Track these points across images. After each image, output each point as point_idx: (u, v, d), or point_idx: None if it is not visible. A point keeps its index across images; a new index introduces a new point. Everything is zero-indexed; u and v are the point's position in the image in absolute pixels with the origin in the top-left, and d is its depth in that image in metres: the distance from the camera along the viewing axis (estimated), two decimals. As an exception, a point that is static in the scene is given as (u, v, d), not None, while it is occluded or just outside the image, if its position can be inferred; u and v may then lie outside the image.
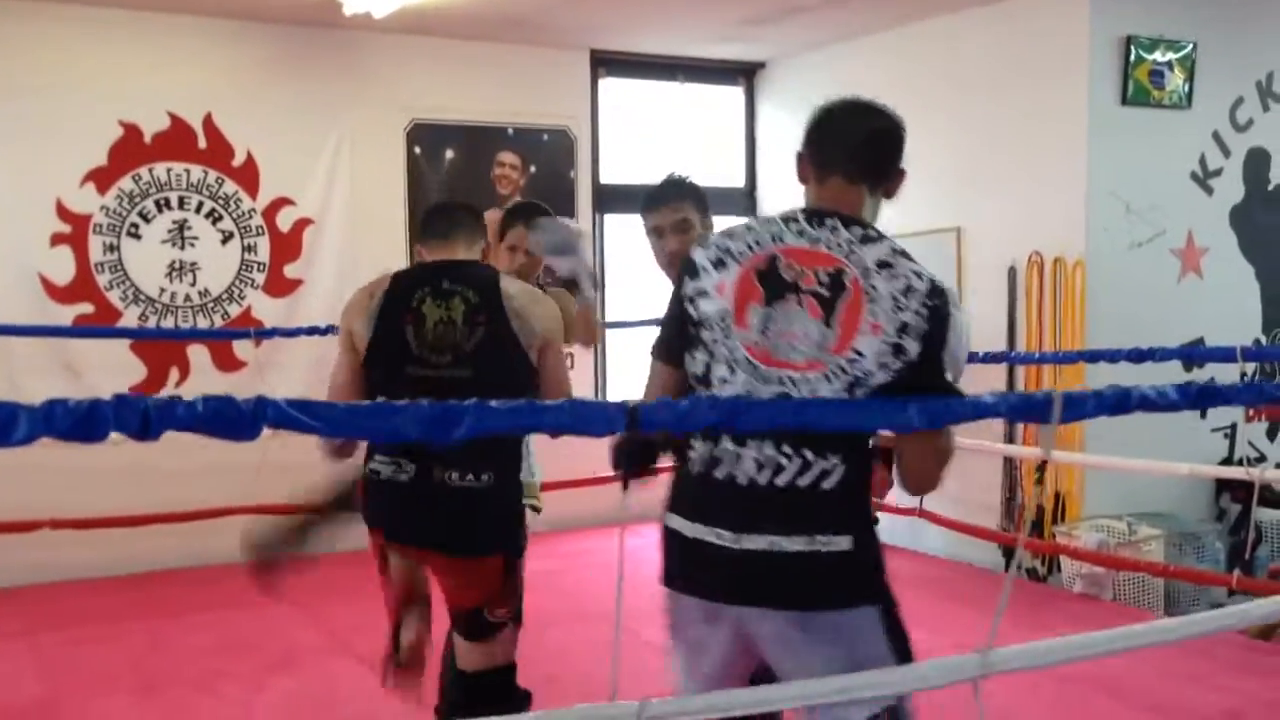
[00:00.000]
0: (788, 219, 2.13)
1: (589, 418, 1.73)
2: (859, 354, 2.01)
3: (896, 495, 6.36)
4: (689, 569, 2.11)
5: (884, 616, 2.08)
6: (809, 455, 2.02)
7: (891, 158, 2.31)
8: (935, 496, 5.65)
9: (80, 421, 1.34)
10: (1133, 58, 5.79)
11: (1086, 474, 5.78)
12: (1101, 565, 5.37)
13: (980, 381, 5.65)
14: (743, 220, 2.25)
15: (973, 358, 4.88)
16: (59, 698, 4.30)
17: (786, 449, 2.02)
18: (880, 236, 2.11)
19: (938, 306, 2.04)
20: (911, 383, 2.00)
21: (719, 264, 2.10)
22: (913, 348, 2.01)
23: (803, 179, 2.23)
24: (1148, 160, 5.91)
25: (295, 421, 1.49)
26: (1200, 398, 2.04)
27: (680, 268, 2.17)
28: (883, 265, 2.06)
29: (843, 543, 2.03)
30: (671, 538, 2.14)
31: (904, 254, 2.10)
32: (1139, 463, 5.11)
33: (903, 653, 2.08)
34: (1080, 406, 1.92)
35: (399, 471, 2.81)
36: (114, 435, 1.34)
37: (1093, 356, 4.99)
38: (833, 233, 2.09)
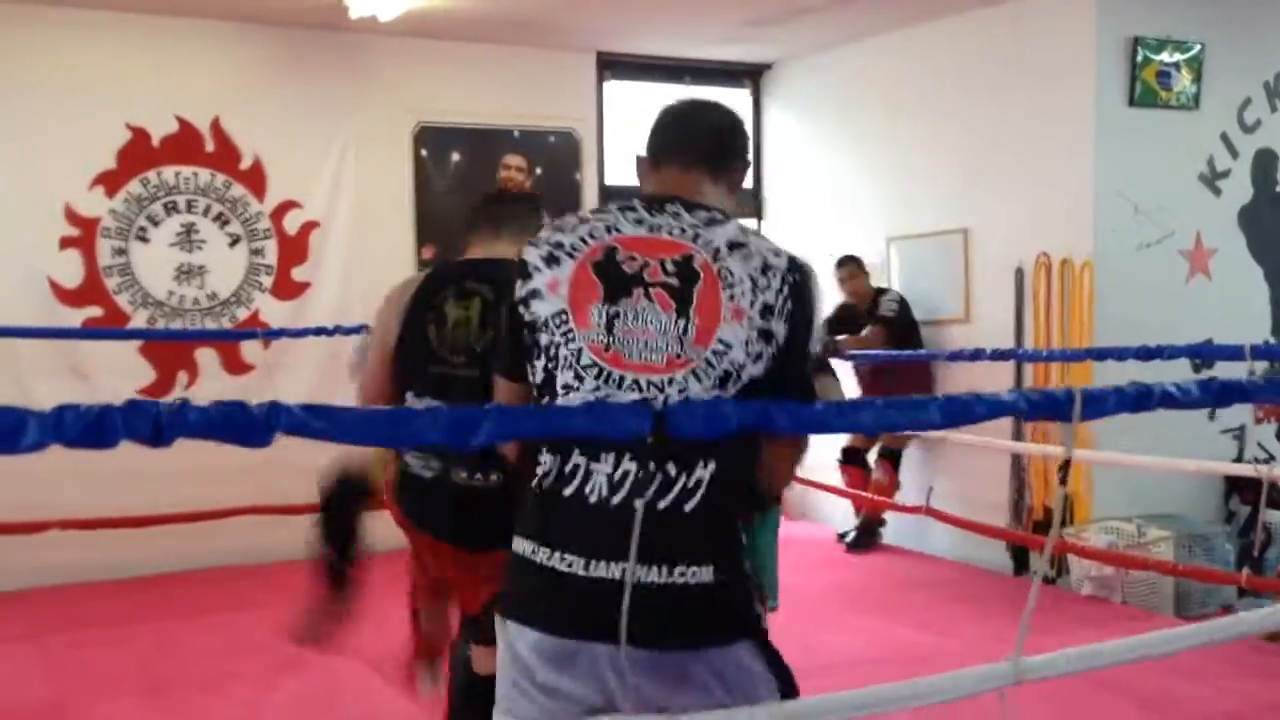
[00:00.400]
0: (624, 208, 1.94)
1: (613, 420, 1.67)
2: (725, 344, 1.82)
3: (901, 496, 6.33)
4: (536, 601, 1.86)
5: (761, 650, 1.87)
6: (671, 470, 1.79)
7: (726, 146, 2.09)
8: (943, 495, 5.65)
9: (90, 428, 1.34)
10: (1140, 58, 5.78)
11: (1095, 476, 5.76)
12: (1111, 565, 5.35)
13: (988, 380, 5.65)
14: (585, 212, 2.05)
15: (979, 355, 4.91)
16: (66, 700, 4.30)
17: (649, 463, 1.78)
18: (727, 218, 1.94)
19: (799, 283, 1.88)
20: (782, 372, 1.84)
21: (550, 260, 1.89)
22: (780, 331, 1.84)
23: (642, 179, 2.06)
24: (1155, 161, 5.89)
25: (309, 427, 1.49)
26: (1223, 394, 2.01)
27: (518, 266, 1.96)
28: (735, 246, 1.88)
29: (705, 574, 1.79)
30: (517, 562, 1.88)
31: (756, 233, 1.95)
32: (1149, 460, 5.10)
33: (787, 685, 1.89)
34: (1101, 403, 1.87)
35: (425, 468, 2.84)
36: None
37: (1100, 354, 4.97)
38: (674, 218, 1.91)
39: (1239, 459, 6.13)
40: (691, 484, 1.78)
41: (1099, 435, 5.58)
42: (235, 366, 6.41)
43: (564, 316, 1.85)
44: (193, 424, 1.41)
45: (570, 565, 1.80)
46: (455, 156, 7.03)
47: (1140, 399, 1.88)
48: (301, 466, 5.75)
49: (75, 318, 6.04)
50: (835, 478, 6.80)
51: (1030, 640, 1.99)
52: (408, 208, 6.89)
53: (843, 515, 7.06)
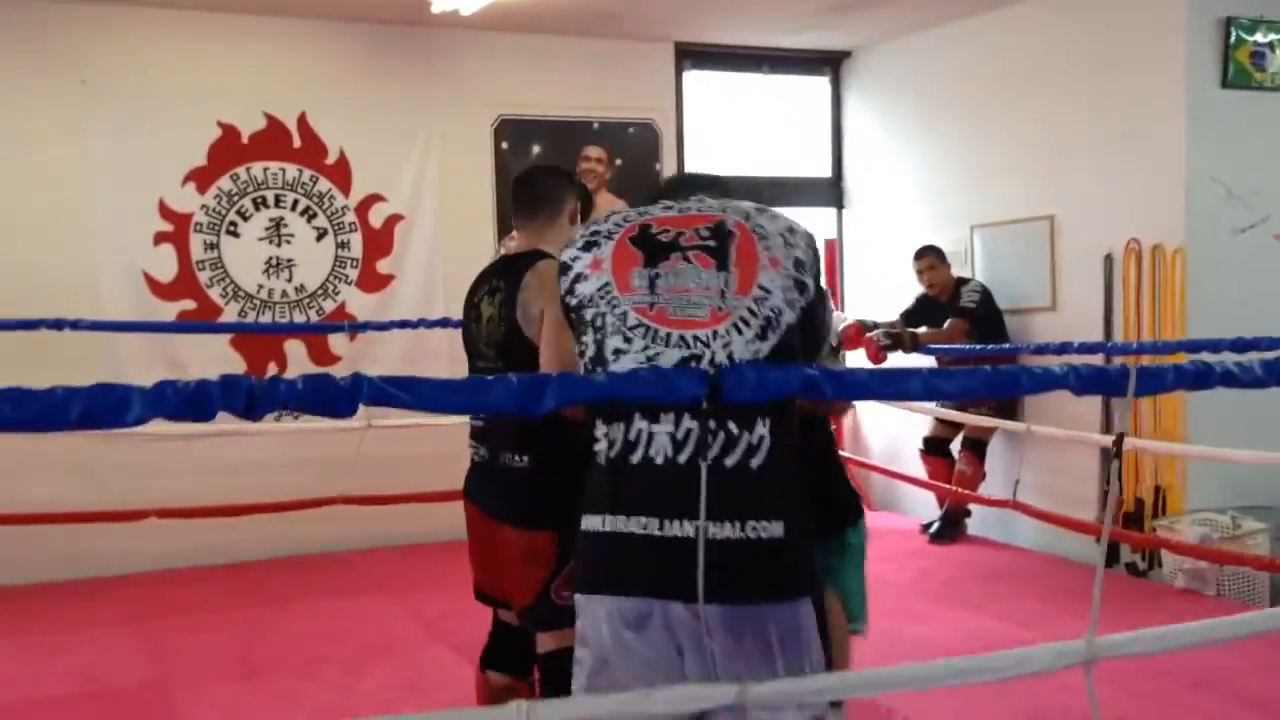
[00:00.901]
0: (653, 202, 2.12)
1: (669, 385, 1.74)
2: (765, 290, 1.91)
3: (986, 487, 6.24)
4: (610, 567, 1.91)
5: (815, 608, 1.92)
6: (733, 428, 1.84)
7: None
8: (1029, 487, 5.55)
9: (189, 401, 1.39)
10: (1233, 39, 5.63)
11: (1189, 467, 5.63)
12: (1204, 560, 5.23)
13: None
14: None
15: (1066, 348, 4.82)
16: (167, 682, 4.43)
17: (710, 421, 1.84)
18: (765, 209, 2.08)
19: (818, 253, 2.04)
20: (813, 326, 1.94)
21: (589, 246, 2.02)
22: (810, 284, 1.95)
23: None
24: (1250, 144, 5.73)
25: (390, 396, 1.53)
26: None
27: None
28: (761, 210, 2.04)
29: (776, 529, 1.84)
30: (587, 540, 1.94)
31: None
32: (1237, 453, 4.95)
33: (826, 645, 1.95)
34: (1158, 380, 1.85)
35: (476, 453, 2.99)
36: (221, 426, 1.39)
37: (1193, 346, 4.84)
38: (700, 201, 2.09)
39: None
40: (755, 440, 1.84)
41: (1192, 425, 5.46)
42: (322, 358, 6.54)
43: (608, 287, 1.94)
44: (282, 396, 1.45)
45: (645, 527, 1.85)
46: (535, 149, 7.09)
47: (1199, 377, 1.84)
48: (387, 458, 5.93)
49: (170, 311, 6.22)
50: (918, 468, 6.74)
51: (1119, 632, 1.97)
52: (489, 200, 6.96)
53: (926, 506, 6.99)
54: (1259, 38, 5.69)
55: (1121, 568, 5.80)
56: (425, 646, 4.82)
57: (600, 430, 1.93)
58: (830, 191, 7.96)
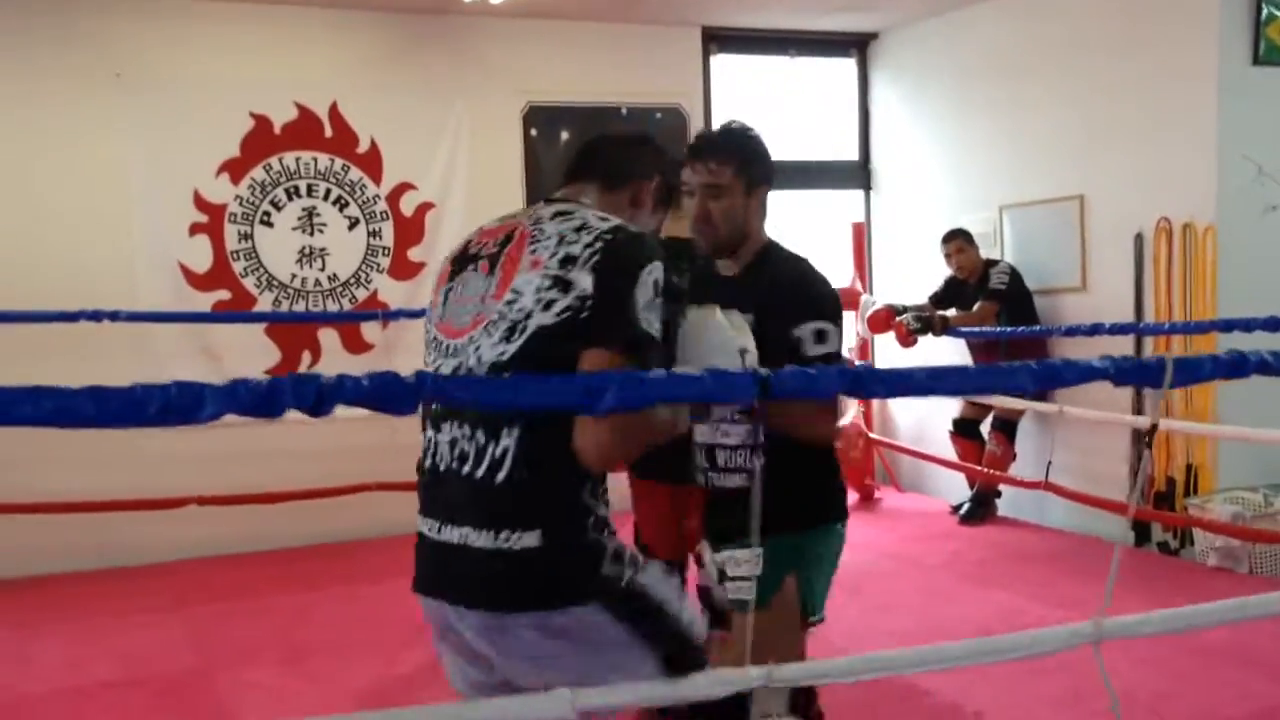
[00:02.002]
0: (520, 213, 2.08)
1: (728, 385, 1.77)
2: (516, 293, 1.85)
3: (1016, 468, 6.24)
4: (418, 566, 2.00)
5: (612, 608, 1.84)
6: (481, 439, 1.84)
7: (611, 160, 2.16)
8: (1059, 468, 5.57)
9: (261, 399, 1.44)
10: (1264, 15, 5.60)
11: (1220, 445, 5.63)
12: (1236, 538, 5.24)
13: (1106, 354, 5.54)
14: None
15: (1098, 329, 4.83)
16: (210, 667, 4.52)
17: (468, 430, 1.85)
18: (579, 209, 1.98)
19: (615, 240, 1.86)
20: (595, 325, 1.80)
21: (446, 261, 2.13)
22: (583, 281, 1.81)
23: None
24: (1281, 121, 5.71)
25: (450, 395, 1.58)
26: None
27: None
28: (561, 214, 1.94)
29: (530, 539, 1.80)
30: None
31: (604, 218, 1.95)
32: (1266, 433, 4.96)
33: (657, 636, 1.88)
34: (1194, 370, 1.87)
35: None
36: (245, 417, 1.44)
37: (1226, 325, 4.84)
38: (528, 209, 2.05)
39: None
40: (500, 452, 1.82)
41: (1222, 404, 5.46)
42: (355, 346, 6.61)
43: (430, 309, 2.05)
44: (349, 393, 1.50)
45: (430, 529, 1.93)
46: (564, 135, 7.12)
47: (1235, 366, 1.87)
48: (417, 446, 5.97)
49: (205, 301, 6.30)
50: (947, 449, 6.76)
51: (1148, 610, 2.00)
52: (518, 186, 7.00)
53: (956, 487, 7.01)
54: (1290, 14, 5.66)
55: (1154, 547, 5.82)
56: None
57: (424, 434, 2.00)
58: (858, 174, 7.97)
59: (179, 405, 1.38)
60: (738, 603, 2.42)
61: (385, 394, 1.51)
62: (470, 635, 1.89)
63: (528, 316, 1.83)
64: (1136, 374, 1.86)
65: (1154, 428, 1.76)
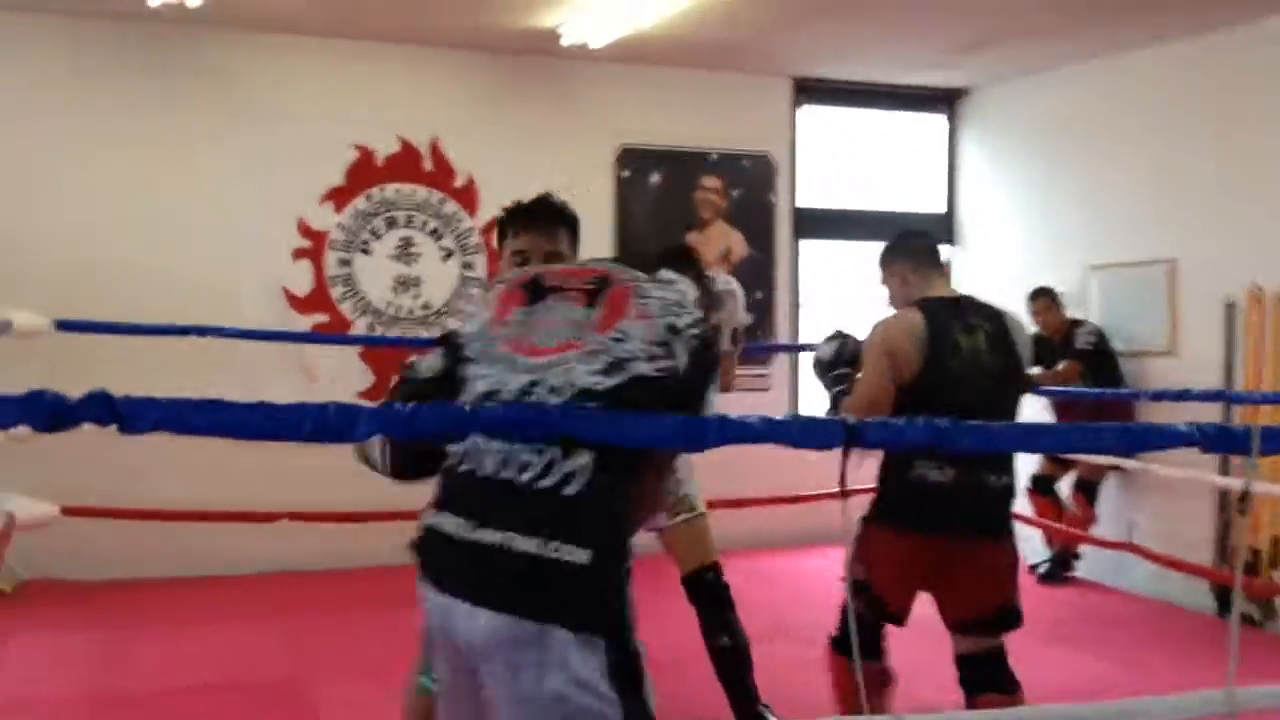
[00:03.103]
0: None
1: (814, 434, 1.90)
2: (623, 334, 1.95)
3: (1097, 530, 6.18)
4: (428, 557, 1.99)
5: (610, 654, 1.83)
6: (557, 452, 1.86)
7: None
8: (1141, 531, 5.52)
9: (405, 422, 1.56)
10: (1366, 86, 5.57)
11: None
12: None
13: (1193, 420, 5.50)
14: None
15: (1185, 395, 4.81)
16: (304, 676, 4.66)
17: (535, 445, 1.87)
18: (678, 280, 2.13)
19: (707, 339, 2.03)
20: (674, 399, 1.92)
21: (483, 301, 2.16)
22: (681, 357, 1.95)
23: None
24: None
25: (573, 427, 1.69)
26: None
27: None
28: (659, 281, 2.05)
29: (582, 556, 1.82)
30: (424, 531, 2.01)
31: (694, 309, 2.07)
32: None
33: (631, 706, 1.83)
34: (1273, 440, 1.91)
35: (938, 474, 3.21)
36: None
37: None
38: (599, 259, 2.19)
39: None
40: (575, 468, 1.85)
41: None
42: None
43: (485, 325, 2.05)
44: (484, 421, 1.62)
45: (459, 527, 1.90)
46: (654, 178, 7.27)
47: None
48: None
49: (305, 323, 6.53)
50: (1025, 506, 6.72)
51: (1237, 683, 2.02)
52: (608, 226, 7.15)
53: (1032, 545, 6.95)
54: (1393, 87, 5.62)
55: (1213, 610, 5.74)
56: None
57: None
58: (943, 227, 8.00)
59: (336, 425, 1.51)
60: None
61: (525, 423, 1.62)
62: (476, 640, 1.85)
63: (632, 359, 1.92)
64: (1223, 441, 1.91)
65: (1245, 495, 1.80)
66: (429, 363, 2.25)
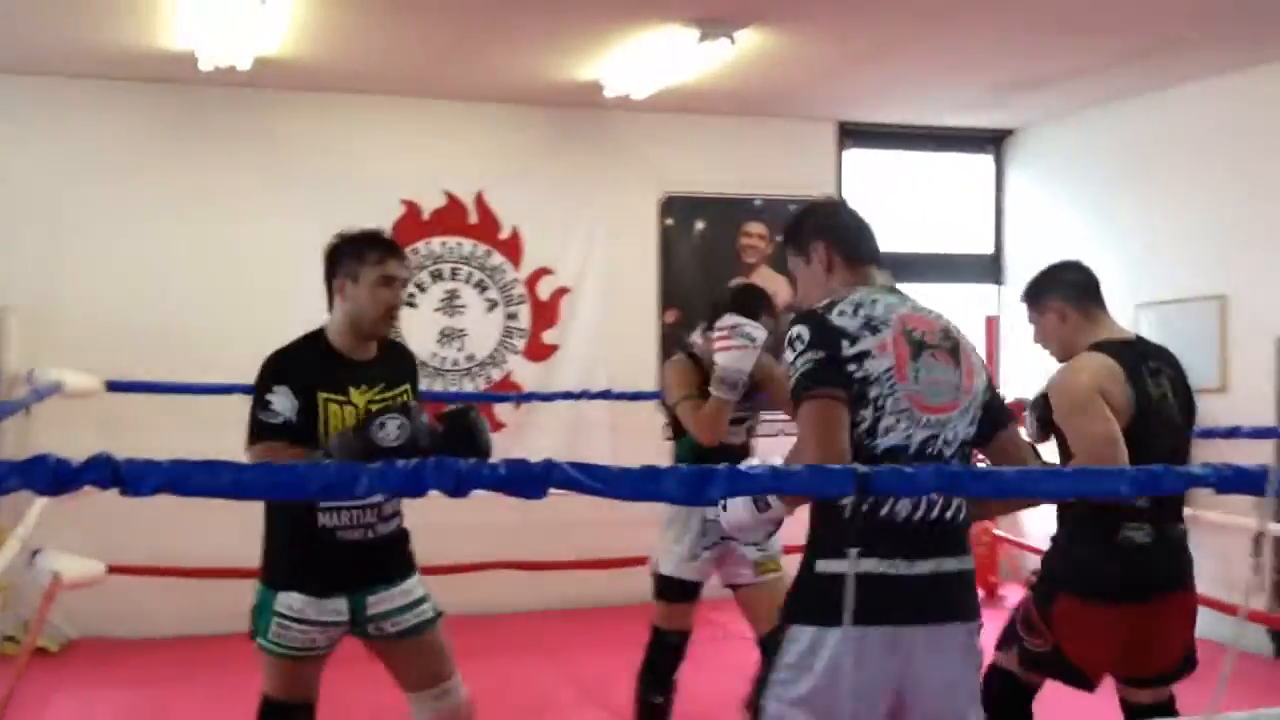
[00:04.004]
0: (889, 290, 2.41)
1: (826, 482, 1.91)
2: (975, 388, 2.38)
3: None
4: (887, 602, 2.19)
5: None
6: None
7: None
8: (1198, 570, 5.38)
9: (406, 479, 1.58)
10: None
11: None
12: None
13: (1244, 459, 5.39)
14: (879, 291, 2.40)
15: (1235, 432, 4.73)
16: None
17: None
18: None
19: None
20: (1002, 414, 2.46)
21: (870, 328, 2.28)
22: (984, 384, 2.43)
23: (829, 266, 2.46)
24: None
25: (579, 483, 1.70)
26: None
27: (817, 330, 2.27)
28: (948, 329, 2.43)
29: (970, 562, 2.34)
30: (835, 580, 2.15)
31: None
32: None
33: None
34: None
35: (1139, 534, 3.05)
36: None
37: (1371, 433, 4.70)
38: (910, 301, 2.42)
39: None
40: (959, 502, 2.30)
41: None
42: (490, 424, 6.81)
43: (891, 372, 2.26)
44: (486, 478, 1.64)
45: (895, 567, 2.22)
46: (699, 225, 7.31)
47: None
48: (544, 522, 6.19)
49: (353, 377, 6.59)
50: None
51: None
52: (653, 274, 7.20)
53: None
54: None
55: (1269, 651, 5.60)
56: (583, 710, 4.97)
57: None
58: (990, 268, 7.95)
59: (339, 483, 1.54)
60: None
61: (517, 480, 1.64)
62: (918, 655, 2.22)
63: (978, 409, 2.38)
64: (1239, 482, 1.90)
65: (1259, 536, 1.82)
66: (284, 403, 2.78)
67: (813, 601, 2.23)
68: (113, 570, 5.22)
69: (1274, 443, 5.56)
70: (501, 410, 6.80)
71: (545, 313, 7.01)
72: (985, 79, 6.50)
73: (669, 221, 7.26)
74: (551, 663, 5.72)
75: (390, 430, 2.80)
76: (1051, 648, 3.05)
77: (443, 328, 6.84)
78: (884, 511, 2.22)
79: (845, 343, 2.26)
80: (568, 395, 6.00)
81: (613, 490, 1.83)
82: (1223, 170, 6.21)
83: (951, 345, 2.36)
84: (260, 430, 2.93)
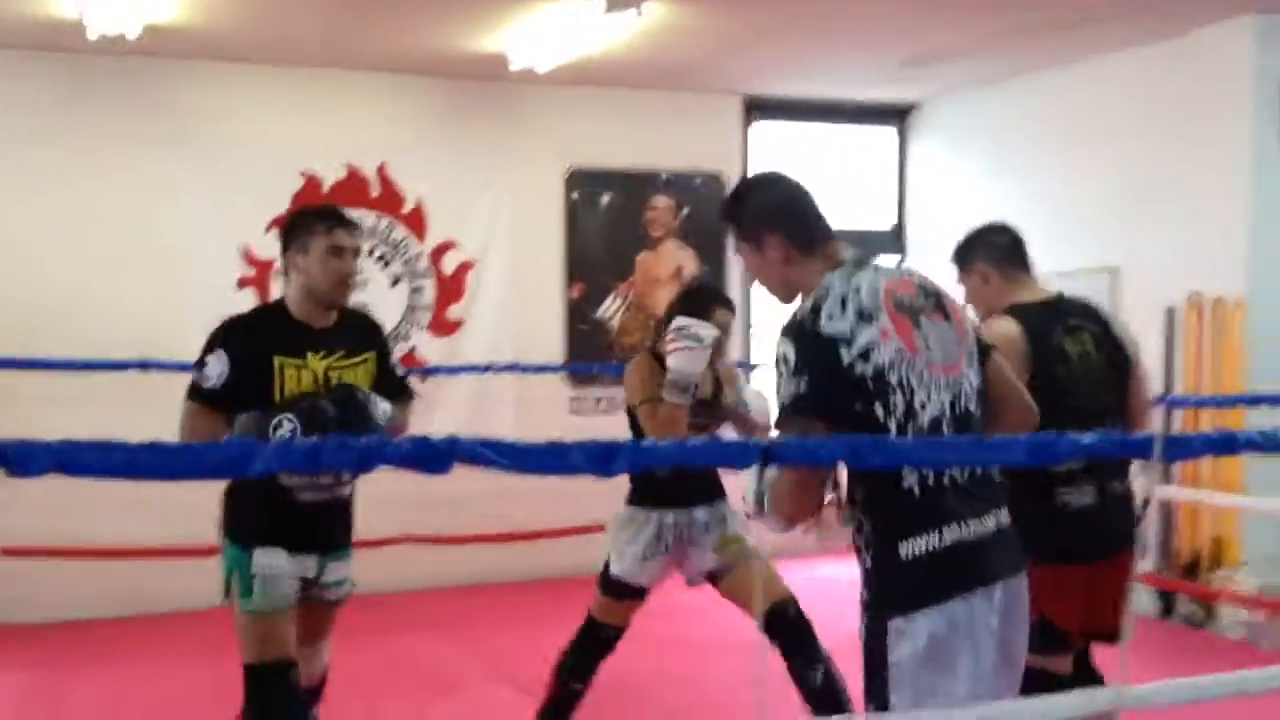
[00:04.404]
0: (858, 264, 2.34)
1: (730, 454, 1.92)
2: (968, 334, 2.36)
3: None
4: (955, 569, 2.17)
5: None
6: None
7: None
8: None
9: (306, 457, 1.55)
10: (1297, 95, 5.68)
11: (1246, 518, 5.63)
12: (1261, 611, 5.23)
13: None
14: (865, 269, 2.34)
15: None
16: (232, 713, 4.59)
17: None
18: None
19: None
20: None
21: (864, 319, 2.19)
22: (969, 322, 2.43)
23: (786, 259, 2.40)
24: (1313, 198, 5.77)
25: (484, 457, 1.69)
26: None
27: (806, 348, 2.19)
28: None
29: (1008, 514, 2.31)
30: (930, 558, 2.16)
31: None
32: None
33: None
34: (1185, 446, 1.99)
35: (1077, 496, 3.06)
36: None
37: (1254, 400, 4.89)
38: (881, 267, 2.37)
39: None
40: None
41: (1250, 476, 5.47)
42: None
43: (902, 351, 2.20)
44: (389, 455, 1.62)
45: (964, 531, 2.20)
46: (605, 199, 7.28)
47: (1225, 443, 1.97)
48: (445, 497, 6.14)
49: (250, 352, 6.46)
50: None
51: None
52: (558, 248, 7.17)
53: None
54: (1323, 94, 5.73)
55: (1179, 619, 5.80)
56: (490, 685, 4.96)
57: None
58: (892, 242, 8.07)
59: (233, 462, 1.50)
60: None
61: (422, 457, 1.62)
62: (997, 614, 2.19)
63: (974, 349, 2.36)
64: (1127, 448, 1.96)
65: (1147, 502, 1.89)
66: (217, 369, 2.93)
67: (910, 586, 2.17)
68: (4, 553, 5.06)
69: (1162, 411, 5.75)
70: (407, 385, 6.71)
71: (450, 287, 6.94)
72: (889, 53, 6.57)
73: (575, 195, 7.22)
74: (456, 639, 5.69)
75: (284, 433, 2.86)
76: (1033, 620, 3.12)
77: (345, 302, 6.72)
78: (946, 480, 2.18)
79: (843, 350, 2.17)
80: (473, 369, 5.96)
81: (518, 465, 1.81)
82: (1118, 144, 6.38)
83: (935, 300, 2.32)
84: (191, 390, 3.07)
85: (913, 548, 2.15)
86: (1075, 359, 3.05)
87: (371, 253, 6.77)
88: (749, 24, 5.90)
